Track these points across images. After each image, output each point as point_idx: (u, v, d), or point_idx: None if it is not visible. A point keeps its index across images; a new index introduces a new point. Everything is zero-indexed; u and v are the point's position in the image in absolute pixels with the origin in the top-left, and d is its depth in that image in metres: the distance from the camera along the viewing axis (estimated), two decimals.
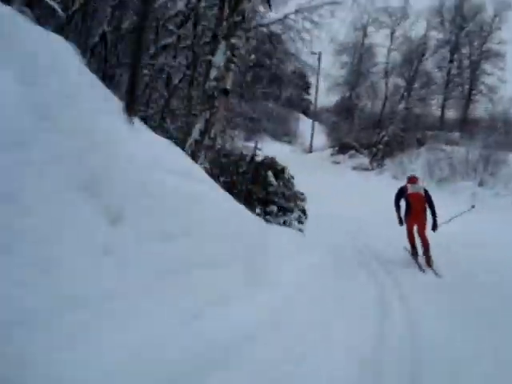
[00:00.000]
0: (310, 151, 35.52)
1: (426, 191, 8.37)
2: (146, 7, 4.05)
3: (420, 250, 8.21)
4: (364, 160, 28.30)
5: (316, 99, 42.06)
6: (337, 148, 32.01)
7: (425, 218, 8.23)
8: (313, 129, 36.85)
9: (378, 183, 21.87)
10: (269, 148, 17.61)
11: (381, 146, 27.39)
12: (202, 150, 7.30)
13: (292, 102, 57.56)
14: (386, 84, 32.75)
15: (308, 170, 18.66)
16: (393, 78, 32.60)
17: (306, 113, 62.72)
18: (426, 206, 8.25)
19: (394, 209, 8.55)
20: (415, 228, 8.27)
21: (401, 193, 8.51)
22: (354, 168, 27.32)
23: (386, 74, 33.04)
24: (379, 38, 33.65)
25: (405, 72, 31.00)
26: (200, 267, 3.34)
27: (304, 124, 53.91)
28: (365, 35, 34.92)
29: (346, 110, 35.96)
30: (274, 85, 56.96)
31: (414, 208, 8.21)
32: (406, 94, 30.39)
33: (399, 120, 28.22)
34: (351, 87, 36.62)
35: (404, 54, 31.66)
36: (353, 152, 29.69)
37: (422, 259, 8.00)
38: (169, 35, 10.48)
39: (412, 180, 8.78)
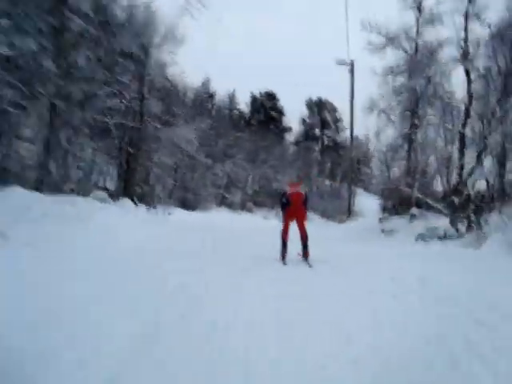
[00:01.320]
0: (348, 215, 24.57)
1: (305, 194, 9.37)
2: None
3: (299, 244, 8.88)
4: (437, 221, 13.02)
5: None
6: (389, 205, 18.43)
7: (304, 213, 9.10)
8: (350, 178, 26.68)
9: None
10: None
11: (467, 193, 12.72)
12: None
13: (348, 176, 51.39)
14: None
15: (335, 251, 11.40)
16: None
17: (366, 188, 55.39)
18: (305, 206, 9.15)
19: (282, 213, 9.35)
20: (294, 223, 8.89)
21: (283, 196, 9.19)
22: (422, 238, 12.39)
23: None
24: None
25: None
26: None
27: (363, 199, 46.99)
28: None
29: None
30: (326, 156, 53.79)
31: (294, 204, 8.85)
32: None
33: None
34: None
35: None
36: (415, 211, 15.17)
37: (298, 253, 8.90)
38: None
39: (293, 184, 9.55)
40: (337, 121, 57.96)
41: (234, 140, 33.21)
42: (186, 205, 25.02)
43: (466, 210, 11.26)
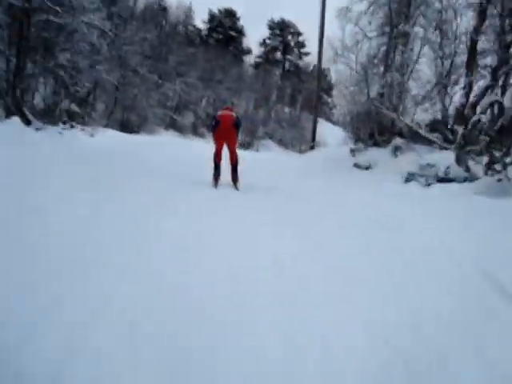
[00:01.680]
0: (312, 147, 19.05)
1: (237, 117, 8.77)
2: None
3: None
4: (432, 156, 9.46)
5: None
6: (363, 135, 14.19)
7: (234, 135, 8.64)
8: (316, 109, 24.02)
9: None
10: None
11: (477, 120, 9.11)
12: None
13: (309, 105, 48.69)
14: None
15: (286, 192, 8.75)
16: None
17: (328, 119, 52.92)
18: (236, 128, 8.63)
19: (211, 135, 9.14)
20: (225, 146, 8.52)
21: (213, 118, 8.86)
22: (413, 178, 9.15)
23: None
24: None
25: None
26: None
27: (326, 130, 44.86)
28: None
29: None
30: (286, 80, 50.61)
31: (224, 127, 8.44)
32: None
33: None
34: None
35: None
36: (399, 142, 11.54)
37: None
38: None
39: (224, 108, 9.11)
40: (300, 45, 54.07)
41: (186, 57, 29.47)
42: (128, 127, 21.71)
43: (477, 143, 7.99)
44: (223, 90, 32.90)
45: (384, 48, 13.63)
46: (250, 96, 41.12)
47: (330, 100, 56.71)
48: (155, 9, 36.50)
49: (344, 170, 11.59)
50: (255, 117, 38.02)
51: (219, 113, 8.86)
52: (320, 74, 17.78)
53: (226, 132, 8.54)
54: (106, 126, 21.54)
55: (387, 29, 13.29)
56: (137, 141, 16.50)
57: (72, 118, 13.56)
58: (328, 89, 56.24)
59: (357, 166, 11.78)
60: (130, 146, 13.69)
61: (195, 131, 30.01)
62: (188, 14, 44.99)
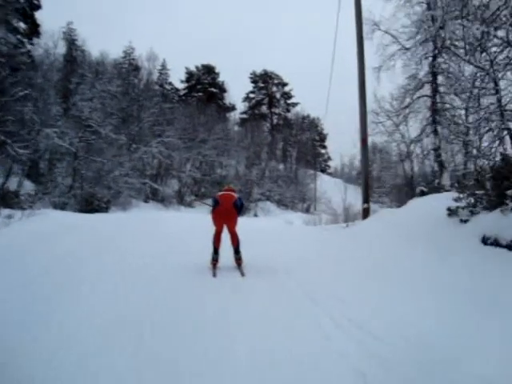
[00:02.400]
0: (366, 211, 14.91)
1: (239, 197, 8.05)
2: None
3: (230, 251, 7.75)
4: None
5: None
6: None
7: (235, 216, 7.96)
8: None
9: None
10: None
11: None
12: None
13: (304, 159, 44.66)
14: None
15: None
16: None
17: (324, 170, 48.83)
18: (237, 210, 7.93)
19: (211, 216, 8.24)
20: (225, 228, 7.83)
21: (213, 198, 8.02)
22: None
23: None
24: None
25: None
26: None
27: (327, 184, 40.69)
28: None
29: None
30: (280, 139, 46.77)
31: (224, 206, 7.77)
32: None
33: None
34: None
35: None
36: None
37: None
38: None
39: (227, 189, 8.41)
40: (287, 96, 50.65)
41: (163, 115, 25.15)
42: (92, 204, 16.73)
43: None
44: (209, 149, 28.48)
45: None
46: (240, 155, 37.01)
47: (324, 151, 52.95)
48: (126, 68, 32.58)
49: (465, 252, 5.91)
50: (248, 177, 33.68)
51: (219, 193, 8.26)
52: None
53: (227, 213, 7.87)
54: (65, 204, 17.10)
55: None
56: (89, 223, 11.27)
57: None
58: (321, 139, 52.82)
59: (492, 241, 5.85)
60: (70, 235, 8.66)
61: (181, 200, 25.16)
62: (162, 71, 41.23)
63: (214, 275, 7.05)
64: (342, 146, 69.92)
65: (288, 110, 50.85)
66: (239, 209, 8.06)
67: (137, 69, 35.91)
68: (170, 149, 23.53)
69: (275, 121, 50.43)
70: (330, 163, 58.20)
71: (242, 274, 7.11)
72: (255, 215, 30.36)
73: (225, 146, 31.47)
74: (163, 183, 24.94)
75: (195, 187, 28.10)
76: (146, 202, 22.61)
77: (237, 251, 7.82)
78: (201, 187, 28.51)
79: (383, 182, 58.58)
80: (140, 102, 23.83)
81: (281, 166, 42.55)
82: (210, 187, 27.59)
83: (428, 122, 13.72)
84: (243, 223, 8.47)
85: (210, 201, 10.86)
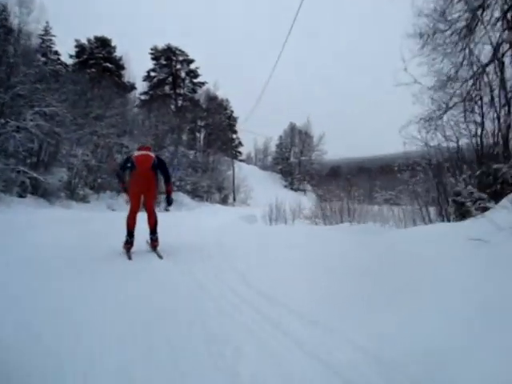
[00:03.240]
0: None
1: (158, 156, 7.14)
2: None
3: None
4: None
5: None
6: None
7: (154, 186, 7.00)
8: None
9: None
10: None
11: None
12: None
13: (215, 144, 39.70)
14: None
15: None
16: None
17: (235, 157, 44.37)
18: (156, 174, 7.02)
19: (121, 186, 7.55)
20: (142, 199, 6.94)
21: (126, 160, 7.21)
22: None
23: None
24: None
25: None
26: None
27: (246, 172, 36.44)
28: None
29: None
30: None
31: (141, 170, 6.83)
32: None
33: None
34: None
35: None
36: None
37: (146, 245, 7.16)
38: None
39: (141, 148, 7.41)
40: (193, 75, 45.25)
41: (44, 80, 18.89)
42: None
43: None
44: (106, 128, 22.57)
45: None
46: (144, 140, 31.20)
47: (235, 136, 48.25)
48: None
49: None
50: None
51: (135, 153, 7.09)
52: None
53: (145, 180, 6.87)
54: None
55: None
56: None
57: None
58: (231, 124, 48.14)
59: None
60: None
61: (72, 194, 19.21)
62: (46, 37, 34.00)
63: (130, 258, 6.47)
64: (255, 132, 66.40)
65: (194, 91, 45.50)
66: (164, 172, 7.11)
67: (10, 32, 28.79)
68: (54, 124, 17.40)
69: (180, 102, 44.80)
70: (242, 149, 54.06)
71: (160, 257, 6.61)
72: (166, 209, 25.04)
73: (126, 126, 25.63)
74: (47, 172, 18.70)
75: (90, 177, 22.12)
76: (21, 196, 16.46)
77: (153, 231, 7.08)
78: (97, 178, 22.58)
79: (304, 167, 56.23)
80: (11, 63, 17.48)
81: (191, 152, 37.32)
82: (109, 176, 21.79)
83: None
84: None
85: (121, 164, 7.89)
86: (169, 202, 7.47)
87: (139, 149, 7.34)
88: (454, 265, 4.00)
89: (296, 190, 53.82)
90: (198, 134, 42.74)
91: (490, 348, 2.58)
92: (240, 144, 51.49)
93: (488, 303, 3.11)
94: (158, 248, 6.92)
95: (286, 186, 53.59)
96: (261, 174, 51.03)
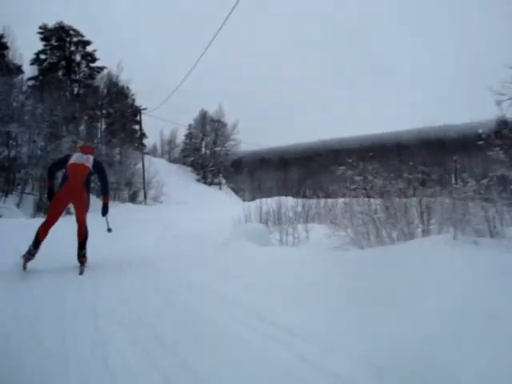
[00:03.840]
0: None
1: (98, 163, 6.89)
2: None
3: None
4: None
5: None
6: None
7: (85, 199, 6.64)
8: None
9: None
10: None
11: None
12: None
13: (118, 135, 35.51)
14: None
15: None
16: None
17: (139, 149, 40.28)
18: (89, 188, 6.74)
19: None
20: (64, 211, 6.72)
21: (60, 162, 6.83)
22: None
23: None
24: None
25: None
26: None
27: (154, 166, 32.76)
28: None
29: None
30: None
31: (71, 186, 6.47)
32: None
33: None
34: None
35: None
36: None
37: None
38: None
39: (85, 149, 7.03)
40: (90, 58, 40.27)
41: None
42: None
43: None
44: None
45: None
46: (36, 131, 26.56)
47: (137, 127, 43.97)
48: None
49: None
50: (52, 157, 23.79)
51: (71, 159, 6.65)
52: None
53: (75, 193, 6.49)
54: None
55: None
56: None
57: None
58: (134, 114, 43.76)
59: None
60: None
61: None
62: None
63: (25, 268, 5.86)
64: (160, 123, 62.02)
65: (92, 76, 40.55)
66: (102, 181, 6.89)
67: None
68: None
69: (77, 89, 39.67)
70: (146, 141, 49.70)
71: (81, 272, 6.12)
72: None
73: (12, 111, 21.19)
74: None
75: None
76: None
77: (82, 246, 6.57)
78: None
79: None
80: None
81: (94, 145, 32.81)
82: None
83: None
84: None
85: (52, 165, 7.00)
86: (103, 212, 6.94)
87: (82, 148, 6.88)
88: None
89: (210, 184, 50.71)
90: (98, 124, 38.01)
91: None
92: (144, 135, 47.13)
93: None
94: (85, 265, 6.41)
95: (198, 180, 50.32)
96: (170, 167, 47.25)
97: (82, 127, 35.07)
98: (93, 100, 37.25)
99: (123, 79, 41.72)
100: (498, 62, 6.33)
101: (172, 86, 38.04)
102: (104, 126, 38.40)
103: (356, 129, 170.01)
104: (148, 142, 51.78)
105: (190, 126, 56.03)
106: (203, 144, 55.19)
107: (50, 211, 6.41)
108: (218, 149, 53.43)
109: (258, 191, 74.39)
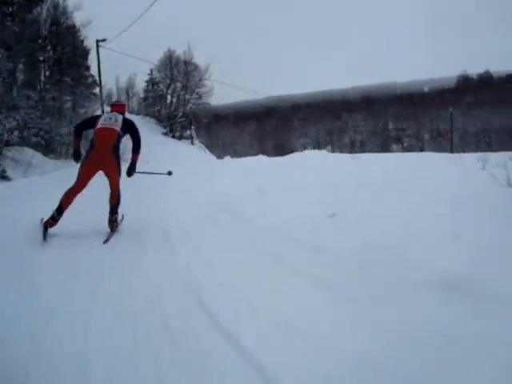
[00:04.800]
0: None
1: (128, 122, 6.39)
2: None
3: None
4: None
5: None
6: None
7: (115, 164, 6.13)
8: None
9: None
10: None
11: None
12: None
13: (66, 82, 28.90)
14: None
15: None
16: None
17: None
18: (118, 154, 6.20)
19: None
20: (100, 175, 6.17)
21: (88, 123, 6.52)
22: None
23: None
24: None
25: None
26: None
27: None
28: None
29: None
30: None
31: (99, 152, 6.01)
32: None
33: None
34: None
35: None
36: None
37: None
38: None
39: (113, 106, 6.82)
40: None
41: None
42: None
43: None
44: None
45: None
46: None
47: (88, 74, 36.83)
48: None
49: None
50: None
51: (100, 121, 6.21)
52: None
53: (103, 159, 6.04)
54: None
55: None
56: None
57: None
58: (82, 55, 36.49)
59: None
60: None
61: None
62: None
63: (45, 238, 5.37)
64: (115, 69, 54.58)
65: (29, 10, 33.03)
66: (134, 138, 6.43)
67: None
68: None
69: (10, 24, 32.18)
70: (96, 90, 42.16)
71: (106, 241, 5.58)
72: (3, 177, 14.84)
73: None
74: None
75: None
76: None
77: (113, 210, 6.20)
78: None
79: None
80: None
81: (33, 95, 26.35)
82: None
83: None
84: None
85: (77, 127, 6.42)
86: (129, 172, 6.33)
87: (111, 106, 6.86)
88: None
89: (179, 138, 43.70)
90: (42, 65, 31.05)
91: None
92: (95, 83, 39.67)
93: None
94: (115, 230, 6.02)
95: (165, 134, 43.63)
96: (130, 119, 40.59)
97: (19, 73, 28.27)
98: (32, 40, 30.06)
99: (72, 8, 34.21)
100: None
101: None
102: (48, 72, 31.50)
103: (304, 85, 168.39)
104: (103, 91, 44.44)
105: (151, 70, 48.21)
106: (169, 91, 47.57)
107: (78, 177, 5.86)
108: (188, 96, 46.49)
109: (222, 148, 69.46)
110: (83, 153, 6.30)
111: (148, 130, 40.87)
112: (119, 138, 6.11)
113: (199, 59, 47.27)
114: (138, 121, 41.17)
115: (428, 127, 79.50)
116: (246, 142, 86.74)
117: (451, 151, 41.91)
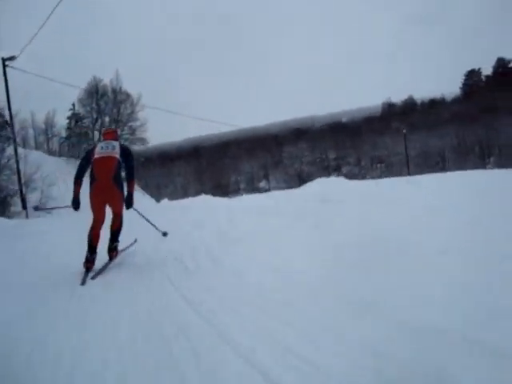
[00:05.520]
0: None
1: (125, 149, 5.94)
2: None
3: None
4: None
5: None
6: None
7: (118, 193, 5.74)
8: None
9: None
10: None
11: None
12: None
13: None
14: None
15: None
16: None
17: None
18: (120, 181, 5.78)
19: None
20: (107, 209, 5.82)
21: (87, 157, 5.89)
22: None
23: None
24: None
25: None
26: None
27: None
28: None
29: None
30: None
31: (101, 185, 5.61)
32: None
33: None
34: None
35: None
36: None
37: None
38: None
39: (105, 135, 6.27)
40: None
41: None
42: None
43: None
44: None
45: None
46: None
47: None
48: None
49: None
50: None
51: (96, 150, 5.75)
52: None
53: (107, 191, 5.67)
54: None
55: None
56: None
57: None
58: None
59: None
60: None
61: None
62: None
63: (83, 283, 5.06)
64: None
65: None
66: (129, 165, 5.87)
67: None
68: None
69: None
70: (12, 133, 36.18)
71: (93, 277, 5.21)
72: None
73: None
74: None
75: None
76: None
77: (114, 237, 6.05)
78: None
79: None
80: None
81: None
82: None
83: None
84: None
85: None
86: (128, 204, 5.86)
87: (104, 135, 6.29)
88: None
89: None
90: None
91: None
92: (7, 124, 33.53)
93: None
94: (115, 260, 5.96)
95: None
96: (52, 162, 34.89)
97: None
98: None
99: None
100: None
101: None
102: None
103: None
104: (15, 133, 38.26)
105: (73, 105, 43.06)
106: (97, 126, 41.48)
107: (93, 212, 5.64)
108: (119, 132, 40.06)
109: (156, 190, 65.82)
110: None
111: (73, 172, 35.42)
112: (119, 166, 5.64)
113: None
114: (60, 164, 35.61)
115: (369, 154, 79.56)
116: (178, 183, 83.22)
117: (408, 174, 40.42)
